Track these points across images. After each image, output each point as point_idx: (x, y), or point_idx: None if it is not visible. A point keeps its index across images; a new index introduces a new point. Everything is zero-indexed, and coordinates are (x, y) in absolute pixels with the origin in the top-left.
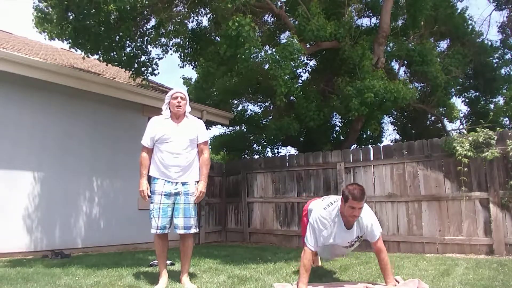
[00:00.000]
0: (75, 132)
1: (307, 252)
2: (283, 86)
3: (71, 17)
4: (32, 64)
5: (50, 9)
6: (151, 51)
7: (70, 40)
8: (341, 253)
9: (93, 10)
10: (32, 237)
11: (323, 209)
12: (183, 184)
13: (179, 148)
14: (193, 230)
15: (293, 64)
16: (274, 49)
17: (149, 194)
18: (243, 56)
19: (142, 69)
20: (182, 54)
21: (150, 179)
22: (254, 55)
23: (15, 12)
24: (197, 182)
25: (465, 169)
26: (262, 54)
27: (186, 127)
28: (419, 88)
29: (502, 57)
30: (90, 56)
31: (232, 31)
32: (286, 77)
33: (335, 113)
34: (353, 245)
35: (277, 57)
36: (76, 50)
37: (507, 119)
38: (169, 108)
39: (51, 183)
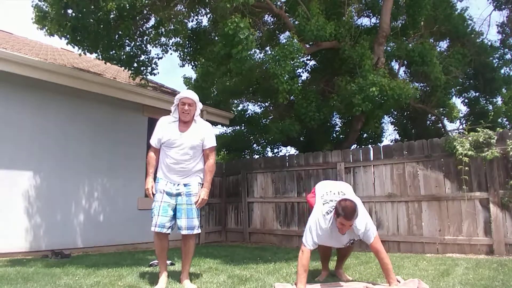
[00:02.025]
0: (75, 132)
1: (305, 252)
2: (285, 83)
3: (70, 15)
4: (32, 64)
5: (49, 7)
6: (150, 50)
7: (68, 36)
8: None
9: (92, 8)
10: (32, 237)
11: (322, 216)
12: (185, 185)
13: (183, 155)
14: (196, 231)
15: (293, 63)
16: (273, 49)
17: (154, 192)
18: (237, 57)
19: (142, 68)
20: (182, 53)
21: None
22: (248, 57)
23: (15, 12)
24: (200, 184)
25: (466, 168)
26: (262, 55)
27: (193, 133)
28: (419, 88)
29: (502, 57)
30: (87, 53)
31: (229, 30)
32: (287, 76)
33: (335, 113)
34: (351, 244)
35: (277, 56)
36: (74, 47)
37: (506, 119)
38: (178, 110)
39: (51, 183)
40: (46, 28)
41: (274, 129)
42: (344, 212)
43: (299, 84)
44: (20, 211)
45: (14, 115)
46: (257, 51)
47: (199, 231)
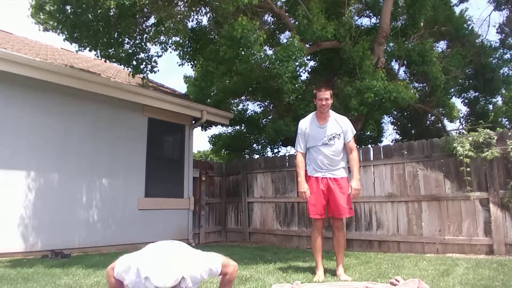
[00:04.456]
0: (75, 132)
1: (298, 156)
2: (289, 83)
3: (69, 11)
4: (32, 64)
5: (47, 0)
6: (150, 48)
7: (66, 33)
8: (327, 161)
9: (92, 5)
10: (32, 237)
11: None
12: None
13: None
14: None
15: (296, 63)
16: (275, 49)
17: None
18: (245, 59)
19: (141, 66)
20: (182, 53)
21: None
22: (255, 57)
23: (15, 12)
24: None
25: (467, 169)
26: (262, 55)
27: None
28: (419, 88)
29: (501, 58)
30: (85, 50)
31: (236, 33)
32: (290, 75)
33: None
34: (332, 140)
35: (281, 55)
36: (71, 44)
37: (506, 119)
38: None
39: (51, 183)
40: (42, 22)
41: (270, 129)
42: (317, 88)
43: (299, 84)
44: (20, 211)
45: (14, 115)
46: (258, 51)
47: None
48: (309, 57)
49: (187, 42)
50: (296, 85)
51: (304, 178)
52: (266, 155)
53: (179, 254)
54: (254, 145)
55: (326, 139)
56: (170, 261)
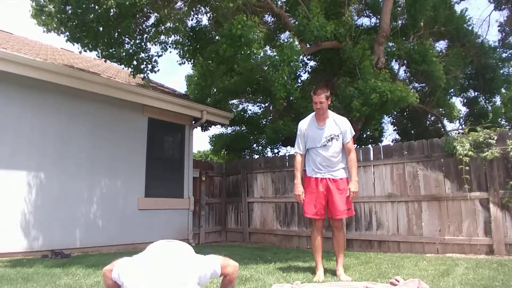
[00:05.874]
0: (75, 131)
1: (297, 157)
2: (282, 90)
3: (69, 11)
4: (32, 64)
5: (48, 2)
6: (150, 48)
7: (68, 34)
8: (326, 163)
9: (92, 5)
10: (32, 237)
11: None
12: None
13: None
14: None
15: (292, 65)
16: (273, 51)
17: None
18: (246, 56)
19: (142, 66)
20: (182, 52)
21: None
22: (255, 55)
23: (15, 12)
24: None
25: (466, 167)
26: (262, 55)
27: None
28: (419, 88)
29: (500, 57)
30: (87, 51)
31: (236, 31)
32: (285, 78)
33: None
34: (330, 141)
35: (275, 60)
36: (73, 44)
37: (505, 120)
38: None
39: (51, 183)
40: (44, 23)
41: (269, 129)
42: (313, 90)
43: (299, 84)
44: (20, 211)
45: (14, 115)
46: (258, 50)
47: None
48: (309, 57)
49: (187, 41)
50: (292, 88)
51: (301, 181)
52: (266, 155)
53: (180, 262)
54: (254, 145)
55: (324, 140)
56: (173, 272)
